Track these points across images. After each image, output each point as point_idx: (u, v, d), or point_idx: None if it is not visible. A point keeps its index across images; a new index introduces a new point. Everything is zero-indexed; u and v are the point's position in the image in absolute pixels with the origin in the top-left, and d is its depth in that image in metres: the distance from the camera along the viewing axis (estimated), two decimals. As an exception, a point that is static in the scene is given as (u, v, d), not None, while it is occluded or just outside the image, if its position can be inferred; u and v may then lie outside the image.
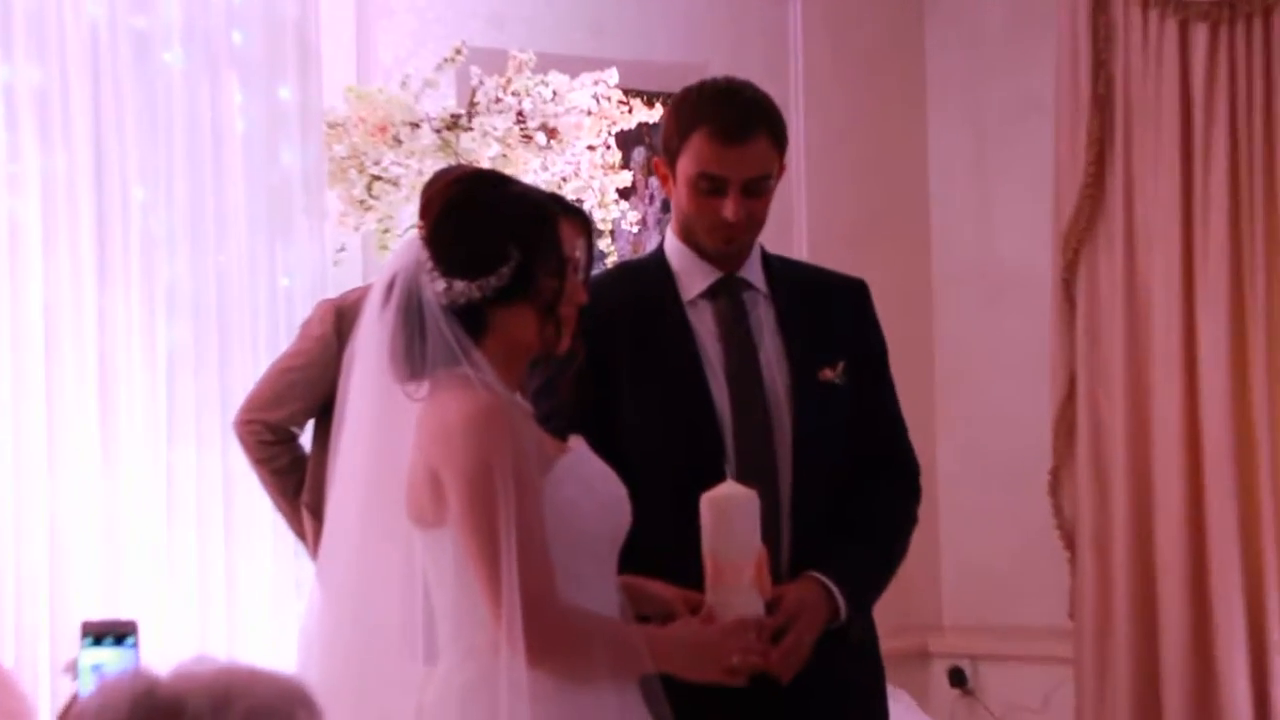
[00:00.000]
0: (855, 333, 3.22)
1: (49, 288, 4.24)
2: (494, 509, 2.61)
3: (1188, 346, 5.17)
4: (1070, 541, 5.40)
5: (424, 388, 2.70)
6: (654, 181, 5.15)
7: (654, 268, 3.20)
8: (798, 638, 2.96)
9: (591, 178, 4.58)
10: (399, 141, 4.46)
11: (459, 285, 2.69)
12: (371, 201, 4.45)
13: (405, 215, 4.36)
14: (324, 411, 3.94)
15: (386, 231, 4.44)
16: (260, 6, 4.53)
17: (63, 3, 4.27)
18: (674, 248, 3.19)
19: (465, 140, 4.49)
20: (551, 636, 2.64)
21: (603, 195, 4.59)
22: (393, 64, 4.86)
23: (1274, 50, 5.13)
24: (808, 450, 3.10)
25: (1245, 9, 5.15)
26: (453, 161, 4.38)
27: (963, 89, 5.96)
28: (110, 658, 3.60)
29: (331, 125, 4.53)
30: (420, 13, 4.99)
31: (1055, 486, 5.44)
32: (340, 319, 4.01)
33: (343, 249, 4.58)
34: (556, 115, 4.57)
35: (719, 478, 2.89)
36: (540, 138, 4.55)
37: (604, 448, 2.83)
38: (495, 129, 4.50)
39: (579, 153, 4.58)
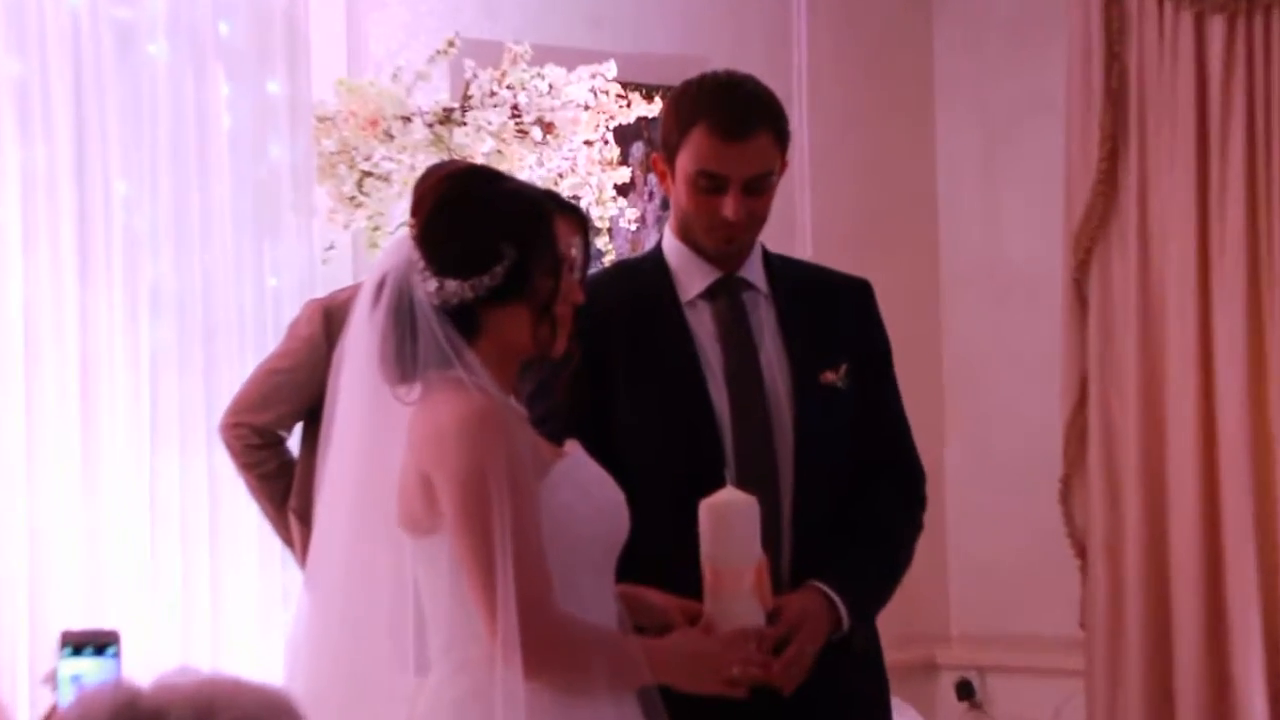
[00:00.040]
0: (858, 334, 3.22)
1: (28, 286, 4.23)
2: (489, 515, 2.61)
3: (1203, 348, 5.17)
4: (1081, 549, 5.40)
5: (415, 390, 2.71)
6: (653, 178, 5.16)
7: (651, 267, 3.20)
8: (800, 649, 2.96)
9: (589, 174, 4.58)
10: (390, 136, 4.46)
11: (451, 285, 2.70)
12: (362, 198, 4.45)
13: (396, 212, 4.36)
14: (312, 415, 3.94)
15: (377, 229, 4.44)
16: (247, -3, 4.53)
17: (43, -8, 4.27)
18: (672, 247, 3.19)
19: (459, 135, 4.49)
20: (548, 647, 2.64)
21: (600, 192, 4.59)
22: (384, 56, 4.86)
23: (1292, 43, 5.14)
24: (809, 455, 3.10)
25: (1263, 0, 5.15)
26: (445, 157, 4.38)
27: (971, 82, 5.97)
28: (90, 668, 3.60)
29: (321, 119, 4.53)
30: (412, 4, 4.99)
31: (1066, 492, 5.44)
32: (329, 319, 4.01)
33: (332, 247, 4.58)
34: (553, 109, 4.57)
35: (718, 483, 2.90)
36: (536, 132, 4.55)
37: (600, 452, 2.84)
38: (489, 123, 4.50)
39: (576, 148, 4.58)
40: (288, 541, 4.16)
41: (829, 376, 3.15)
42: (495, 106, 4.53)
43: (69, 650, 3.67)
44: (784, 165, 3.15)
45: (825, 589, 3.03)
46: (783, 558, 3.06)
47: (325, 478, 2.78)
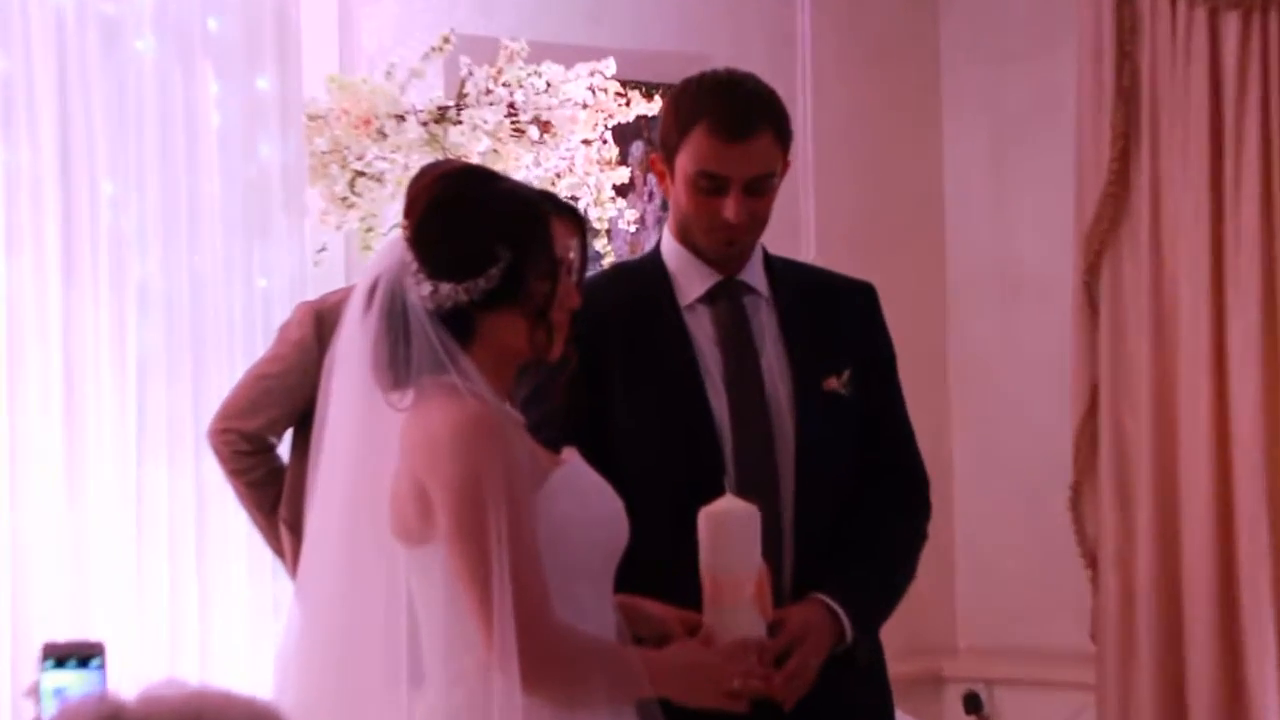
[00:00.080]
0: (862, 339, 3.23)
1: (11, 288, 4.24)
2: (484, 524, 2.61)
3: (1217, 352, 5.17)
4: (1092, 558, 5.40)
5: (408, 397, 2.71)
6: (653, 178, 5.16)
7: (649, 269, 3.20)
8: (802, 662, 2.97)
9: (587, 174, 4.59)
10: (384, 135, 4.47)
11: (445, 288, 2.70)
12: (354, 198, 4.46)
13: (389, 213, 4.36)
14: (303, 421, 3.94)
15: (370, 230, 4.44)
16: (237, -8, 4.54)
17: (27, -14, 4.28)
18: (671, 249, 3.20)
19: (453, 134, 4.49)
20: (546, 659, 2.65)
21: (599, 192, 4.59)
22: (377, 53, 4.86)
23: (1310, 41, 5.15)
24: (811, 462, 3.11)
25: (1279, -3, 5.17)
26: (440, 156, 4.39)
27: (980, 80, 5.97)
28: (74, 681, 3.61)
29: (312, 117, 4.53)
30: (406, -1, 5.01)
31: (1076, 501, 5.44)
32: (320, 323, 4.02)
33: (323, 249, 4.59)
34: (550, 108, 4.58)
35: (717, 492, 2.90)
36: (533, 131, 4.56)
37: (598, 459, 2.84)
38: (485, 122, 4.51)
39: (574, 147, 4.59)
40: (278, 551, 4.17)
41: (831, 382, 3.15)
42: (491, 105, 4.54)
43: (52, 662, 3.68)
44: (786, 165, 3.15)
45: (828, 600, 3.04)
46: (784, 568, 3.07)
47: (316, 485, 2.78)
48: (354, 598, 2.76)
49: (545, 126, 4.57)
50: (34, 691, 3.76)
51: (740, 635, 2.86)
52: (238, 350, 4.47)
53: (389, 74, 4.58)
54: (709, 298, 3.17)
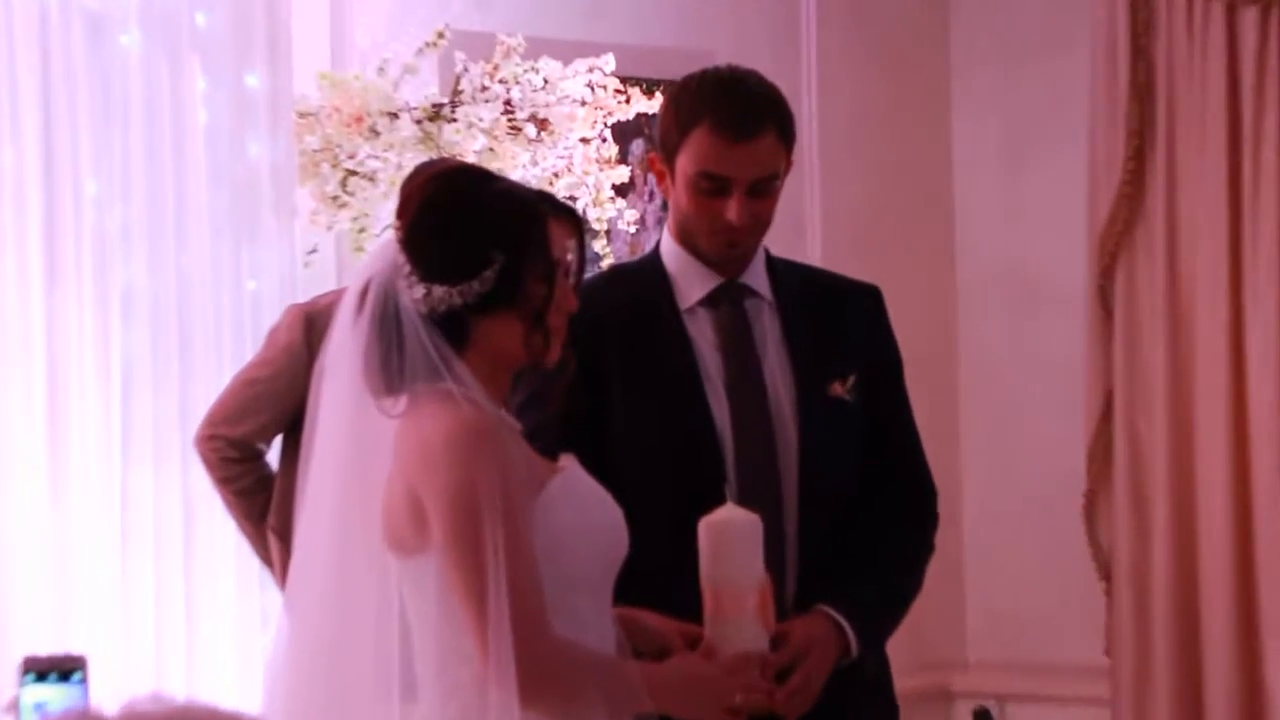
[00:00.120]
0: (868, 343, 3.23)
1: (-7, 291, 4.25)
2: (480, 534, 2.62)
3: (1235, 358, 5.18)
4: (1106, 571, 5.41)
5: (401, 403, 2.71)
6: (653, 178, 5.16)
7: (649, 272, 3.21)
8: (805, 677, 2.97)
9: (585, 173, 4.59)
10: (376, 133, 4.47)
11: (439, 291, 2.71)
12: (346, 198, 4.47)
13: (382, 213, 4.37)
14: (293, 427, 3.95)
15: (362, 231, 4.45)
16: (226, -15, 4.54)
17: (10, -20, 4.29)
18: (670, 251, 3.20)
19: (448, 132, 4.50)
20: (543, 672, 2.65)
21: (598, 192, 4.60)
22: (370, 48, 4.87)
23: (1330, 36, 5.15)
24: (815, 471, 3.11)
25: (1300, -9, 5.17)
26: (434, 155, 4.40)
27: (990, 77, 5.98)
28: (55, 695, 3.62)
29: (303, 115, 4.54)
30: (400, -8, 5.01)
31: (1090, 512, 5.44)
32: (310, 326, 4.03)
33: (314, 250, 4.59)
34: (548, 105, 4.59)
35: (718, 501, 2.91)
36: (530, 129, 4.57)
37: (596, 467, 2.84)
38: (481, 120, 4.52)
39: (572, 146, 4.60)
40: (266, 561, 4.17)
41: (836, 388, 3.16)
42: (487, 102, 4.54)
43: (32, 676, 3.69)
44: (789, 166, 3.16)
45: (833, 613, 3.04)
46: (787, 580, 3.07)
47: (306, 494, 2.79)
48: (345, 609, 2.76)
49: (543, 124, 4.58)
50: (13, 707, 3.76)
51: (742, 649, 2.86)
52: (225, 355, 4.47)
53: (382, 70, 4.58)
54: (710, 301, 3.17)
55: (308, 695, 2.76)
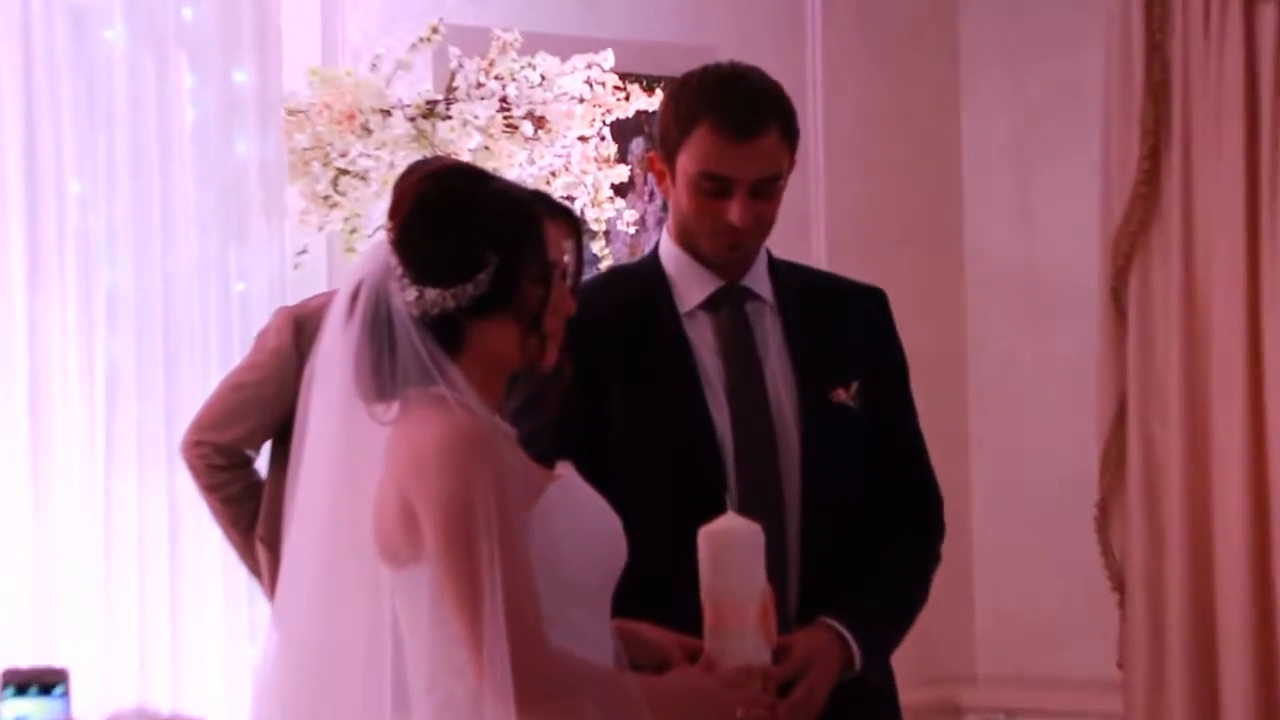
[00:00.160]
0: (872, 347, 3.23)
1: (-27, 294, 4.26)
2: (474, 544, 2.62)
3: (1252, 362, 5.18)
4: (1120, 582, 5.41)
5: (394, 409, 2.72)
6: (653, 177, 5.17)
7: (648, 274, 3.21)
8: (808, 690, 2.98)
9: (584, 172, 4.60)
10: (368, 131, 4.48)
11: (431, 294, 2.71)
12: (337, 198, 4.47)
13: (375, 213, 4.37)
14: (282, 433, 3.96)
15: (354, 232, 4.45)
16: (213, -21, 4.55)
17: (-9, -26, 4.29)
18: (670, 252, 3.21)
19: (443, 130, 4.50)
20: (539, 685, 2.65)
21: (596, 192, 4.60)
22: (362, 44, 4.87)
23: (1350, 32, 5.16)
24: (817, 478, 3.11)
25: (1319, -14, 5.18)
26: (428, 153, 4.40)
27: (1001, 74, 5.98)
28: (36, 710, 3.62)
29: (292, 112, 4.54)
30: (393, -14, 5.02)
31: (1103, 520, 5.45)
32: (300, 329, 4.03)
33: (304, 251, 4.59)
34: (545, 102, 4.59)
35: (718, 509, 2.91)
36: (527, 127, 4.57)
37: (593, 475, 2.84)
38: (476, 117, 4.52)
39: (570, 144, 4.60)
40: (254, 571, 4.17)
41: (839, 394, 3.16)
42: (482, 99, 4.55)
43: (12, 690, 3.69)
44: (792, 165, 3.15)
45: (836, 625, 3.05)
46: (789, 591, 3.07)
47: (296, 502, 2.79)
48: (335, 620, 2.76)
49: (540, 122, 4.58)
50: (-6, 720, 3.77)
51: (743, 661, 2.86)
52: (213, 359, 4.48)
53: (374, 66, 4.59)
54: (710, 304, 3.17)
55: (297, 710, 2.76)
